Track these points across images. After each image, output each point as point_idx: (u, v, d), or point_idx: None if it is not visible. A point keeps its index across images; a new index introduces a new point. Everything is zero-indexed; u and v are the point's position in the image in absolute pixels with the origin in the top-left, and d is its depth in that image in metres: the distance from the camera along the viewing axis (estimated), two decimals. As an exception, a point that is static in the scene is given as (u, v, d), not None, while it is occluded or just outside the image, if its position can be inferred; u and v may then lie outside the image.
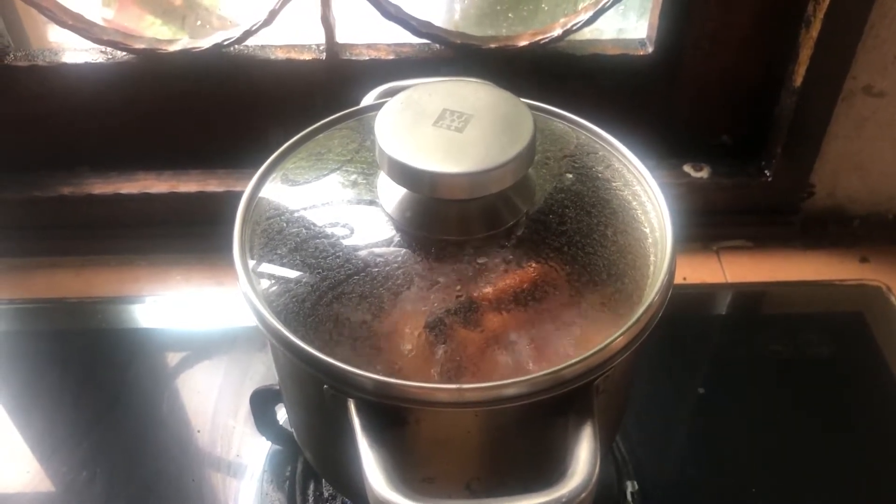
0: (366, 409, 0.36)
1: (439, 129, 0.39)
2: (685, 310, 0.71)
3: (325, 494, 0.56)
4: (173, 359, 0.67)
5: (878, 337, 0.69)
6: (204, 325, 0.70)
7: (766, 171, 0.74)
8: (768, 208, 0.76)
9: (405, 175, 0.38)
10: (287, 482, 0.57)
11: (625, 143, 0.46)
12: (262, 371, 0.65)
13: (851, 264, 0.76)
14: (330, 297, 0.39)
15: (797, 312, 0.72)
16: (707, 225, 0.75)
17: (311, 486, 0.57)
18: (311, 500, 0.56)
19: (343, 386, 0.36)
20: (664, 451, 0.61)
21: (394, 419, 0.37)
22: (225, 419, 0.62)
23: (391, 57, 0.67)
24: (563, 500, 0.33)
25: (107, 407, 0.63)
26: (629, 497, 0.57)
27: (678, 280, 0.73)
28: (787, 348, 0.68)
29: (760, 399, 0.65)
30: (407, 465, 0.35)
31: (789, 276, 0.75)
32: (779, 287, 0.74)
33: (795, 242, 0.77)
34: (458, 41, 0.66)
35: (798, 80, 0.67)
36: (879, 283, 0.72)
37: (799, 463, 0.60)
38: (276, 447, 0.59)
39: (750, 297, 0.75)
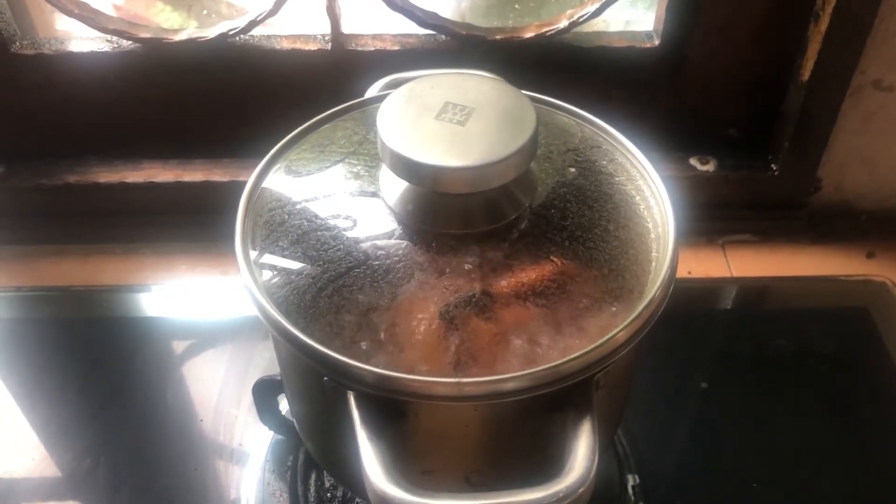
0: (365, 402, 0.36)
1: (441, 123, 0.39)
2: (689, 304, 0.71)
3: (327, 484, 0.57)
4: (178, 347, 0.68)
5: (883, 333, 0.68)
6: (208, 314, 0.70)
7: (772, 165, 0.74)
8: (775, 202, 0.76)
9: (407, 169, 0.38)
10: (289, 472, 0.57)
11: (630, 136, 0.46)
12: (266, 360, 0.65)
13: (858, 259, 0.75)
14: (331, 290, 0.39)
15: (802, 307, 0.72)
16: (713, 219, 0.75)
17: (313, 476, 0.57)
18: (312, 490, 0.57)
19: (342, 378, 0.36)
20: (666, 445, 0.61)
21: (393, 412, 0.37)
22: (228, 408, 0.63)
23: (396, 48, 0.67)
24: (560, 495, 0.33)
25: (111, 394, 0.64)
26: (630, 491, 0.57)
27: (683, 274, 0.73)
28: (791, 343, 0.68)
29: (764, 394, 0.64)
30: (406, 457, 0.36)
31: (795, 271, 0.74)
32: (784, 282, 0.74)
33: (801, 237, 0.77)
34: (464, 32, 0.66)
35: (806, 74, 0.67)
36: (885, 279, 0.72)
37: (801, 458, 0.60)
38: (279, 437, 0.59)
39: (755, 292, 0.74)
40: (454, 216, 0.40)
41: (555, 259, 0.39)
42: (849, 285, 0.73)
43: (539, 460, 0.37)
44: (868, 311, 0.70)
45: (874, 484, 0.59)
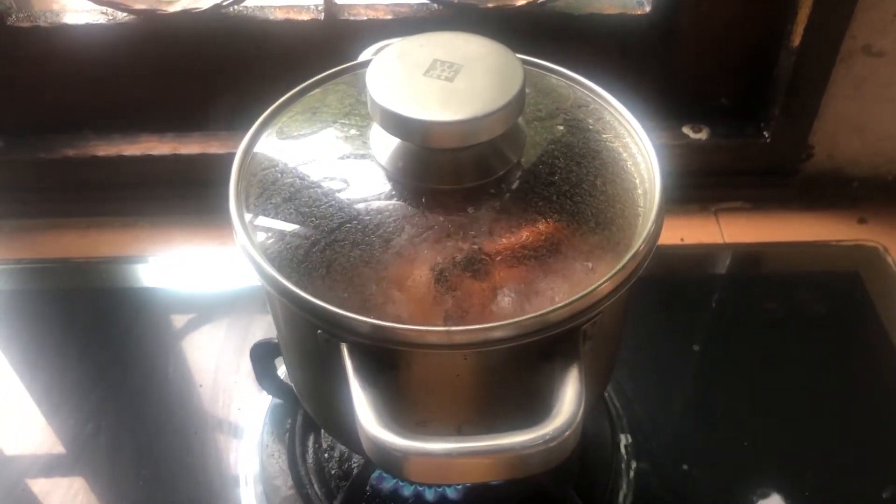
0: (358, 353, 0.37)
1: (430, 79, 0.39)
2: (683, 270, 0.72)
3: (325, 445, 0.57)
4: (176, 317, 0.68)
5: (874, 296, 0.69)
6: (206, 285, 0.71)
7: (764, 133, 0.74)
8: (767, 170, 0.76)
9: (396, 124, 0.38)
10: (287, 434, 0.58)
11: (623, 104, 0.46)
12: (263, 330, 0.66)
13: (849, 225, 0.76)
14: (323, 245, 0.39)
15: (794, 272, 0.73)
16: (705, 186, 0.76)
17: (311, 439, 0.58)
18: (310, 452, 0.57)
19: (335, 329, 0.37)
20: (658, 405, 0.62)
21: (385, 363, 0.37)
22: (226, 375, 0.64)
23: (389, 17, 0.68)
24: (548, 437, 0.34)
25: (111, 363, 0.64)
26: (623, 450, 0.58)
27: (676, 240, 0.74)
28: (783, 307, 0.69)
29: (755, 356, 0.65)
30: (399, 409, 0.36)
31: (787, 237, 0.75)
32: (776, 247, 0.75)
33: (794, 204, 0.77)
34: (456, 0, 0.66)
35: (797, 39, 0.67)
36: (876, 244, 0.73)
37: (791, 419, 0.61)
38: (277, 401, 0.60)
39: (747, 258, 0.75)
40: (444, 172, 0.40)
41: (543, 213, 0.40)
42: (840, 250, 0.74)
43: (529, 411, 0.37)
44: (859, 276, 0.71)
45: (863, 444, 0.60)
